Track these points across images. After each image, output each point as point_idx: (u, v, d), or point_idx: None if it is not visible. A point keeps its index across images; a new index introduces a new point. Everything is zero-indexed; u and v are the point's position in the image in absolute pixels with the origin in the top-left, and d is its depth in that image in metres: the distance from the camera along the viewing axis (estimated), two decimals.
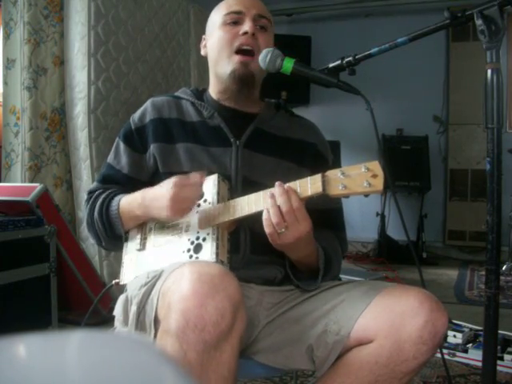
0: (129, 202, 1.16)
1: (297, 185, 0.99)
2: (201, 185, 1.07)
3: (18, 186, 2.58)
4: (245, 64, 1.18)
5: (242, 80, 1.19)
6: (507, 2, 0.94)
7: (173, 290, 0.88)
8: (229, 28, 1.20)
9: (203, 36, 1.31)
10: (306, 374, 1.91)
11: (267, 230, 0.99)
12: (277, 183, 0.99)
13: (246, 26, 1.18)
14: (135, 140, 1.24)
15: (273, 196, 0.98)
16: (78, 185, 2.90)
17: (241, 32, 1.18)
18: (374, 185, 0.89)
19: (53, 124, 2.86)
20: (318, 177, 0.96)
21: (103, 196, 1.21)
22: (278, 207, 0.97)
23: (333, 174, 0.94)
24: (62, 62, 2.92)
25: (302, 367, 1.08)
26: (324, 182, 0.94)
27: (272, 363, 1.08)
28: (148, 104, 1.27)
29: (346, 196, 0.97)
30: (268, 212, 0.98)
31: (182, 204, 1.05)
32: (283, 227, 0.97)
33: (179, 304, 0.84)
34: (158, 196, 1.07)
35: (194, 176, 1.07)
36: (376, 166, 0.90)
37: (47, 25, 2.82)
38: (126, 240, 1.22)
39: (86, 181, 2.86)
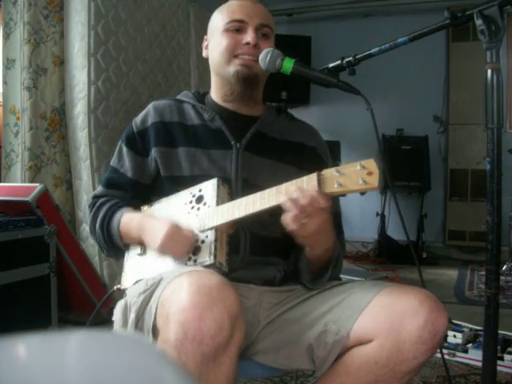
0: (128, 222, 1.17)
1: (293, 184, 0.99)
2: (192, 243, 1.05)
3: (17, 186, 2.58)
4: (248, 65, 1.18)
5: (246, 80, 1.19)
6: (507, 2, 0.94)
7: (171, 301, 0.88)
8: (231, 35, 1.20)
9: (205, 36, 1.30)
10: (306, 374, 1.91)
11: (291, 226, 0.95)
12: (284, 184, 0.98)
13: (249, 37, 1.18)
14: (138, 143, 1.24)
15: (286, 193, 0.96)
16: (78, 185, 2.90)
17: (243, 42, 1.18)
18: (369, 182, 0.89)
19: (53, 124, 2.86)
20: (313, 175, 0.96)
21: (105, 208, 1.21)
22: (295, 201, 0.94)
23: (328, 172, 0.94)
24: (61, 62, 2.92)
25: (302, 367, 1.08)
26: (320, 181, 0.94)
27: (272, 363, 1.09)
28: (150, 107, 1.27)
29: (343, 194, 0.97)
30: (286, 211, 0.95)
31: (173, 247, 1.05)
32: (305, 216, 0.94)
33: (178, 316, 0.84)
34: (156, 228, 1.07)
35: (190, 232, 1.06)
36: (371, 164, 0.90)
37: (47, 25, 2.82)
38: (128, 245, 1.23)
39: (86, 181, 2.86)
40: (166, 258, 1.09)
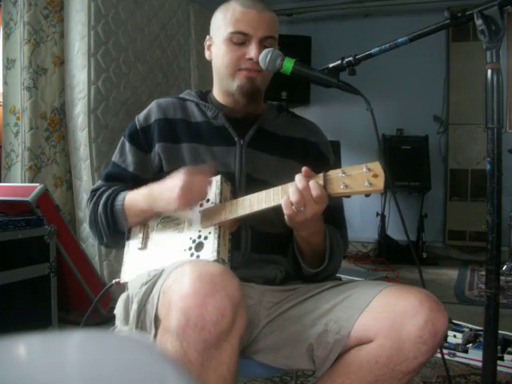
0: (134, 197, 1.17)
1: None
2: (210, 176, 1.09)
3: (18, 186, 2.58)
4: (250, 79, 1.19)
5: (249, 95, 1.21)
6: (507, 2, 0.93)
7: (173, 289, 0.88)
8: (234, 48, 1.19)
9: (207, 36, 1.30)
10: (306, 373, 1.91)
11: (286, 211, 0.99)
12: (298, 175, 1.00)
13: (252, 52, 1.17)
14: (141, 139, 1.25)
15: (287, 191, 0.99)
16: (78, 185, 2.90)
17: (246, 57, 1.18)
18: (374, 184, 0.90)
19: (53, 124, 2.86)
20: (319, 176, 0.97)
21: (108, 192, 1.22)
22: (297, 188, 0.97)
23: (334, 173, 0.95)
24: (62, 62, 2.92)
25: (302, 367, 1.08)
26: (326, 182, 0.95)
27: (272, 363, 1.09)
28: (153, 105, 1.28)
29: (348, 196, 0.97)
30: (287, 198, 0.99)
31: (192, 194, 1.07)
32: (302, 206, 0.97)
33: (180, 303, 0.84)
34: (168, 187, 1.09)
35: (204, 167, 1.10)
36: (377, 167, 0.91)
37: (47, 25, 2.82)
38: (128, 239, 1.23)
39: (86, 181, 2.86)
40: (168, 248, 1.10)
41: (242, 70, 1.20)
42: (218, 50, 1.24)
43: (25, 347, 0.37)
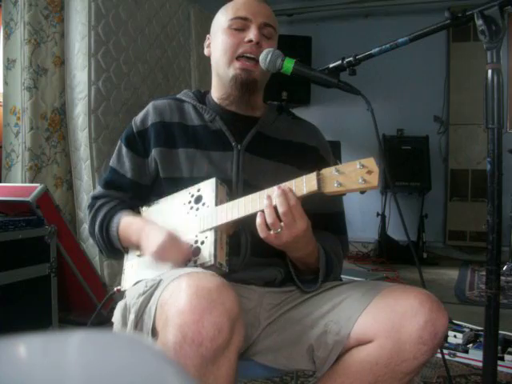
0: (127, 227, 1.17)
1: (292, 184, 0.99)
2: (187, 255, 1.06)
3: (18, 186, 2.58)
4: (246, 70, 1.17)
5: (244, 86, 1.18)
6: (508, 2, 0.93)
7: (170, 303, 0.88)
8: (234, 33, 1.19)
9: (207, 35, 1.30)
10: (307, 374, 1.91)
11: (262, 234, 0.99)
12: (275, 186, 0.99)
13: (251, 34, 1.17)
14: (138, 144, 1.24)
15: (269, 197, 0.98)
16: (79, 185, 2.90)
17: (246, 39, 1.17)
18: (369, 181, 0.88)
19: (53, 124, 2.86)
20: (313, 175, 0.95)
21: (104, 211, 1.22)
22: (274, 208, 0.97)
23: (328, 171, 0.94)
24: (62, 62, 2.92)
25: (303, 367, 1.08)
26: (319, 180, 0.94)
27: (272, 364, 1.08)
28: (150, 107, 1.26)
29: (342, 194, 0.96)
30: (261, 216, 0.98)
31: (167, 257, 1.06)
32: (279, 227, 0.97)
33: (176, 318, 0.84)
34: (152, 236, 1.08)
35: (187, 245, 1.07)
36: (371, 163, 0.89)
37: (47, 25, 2.82)
38: (127, 247, 1.23)
39: (86, 181, 2.86)
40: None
41: (239, 59, 1.18)
42: (216, 41, 1.23)
43: (25, 347, 0.37)
